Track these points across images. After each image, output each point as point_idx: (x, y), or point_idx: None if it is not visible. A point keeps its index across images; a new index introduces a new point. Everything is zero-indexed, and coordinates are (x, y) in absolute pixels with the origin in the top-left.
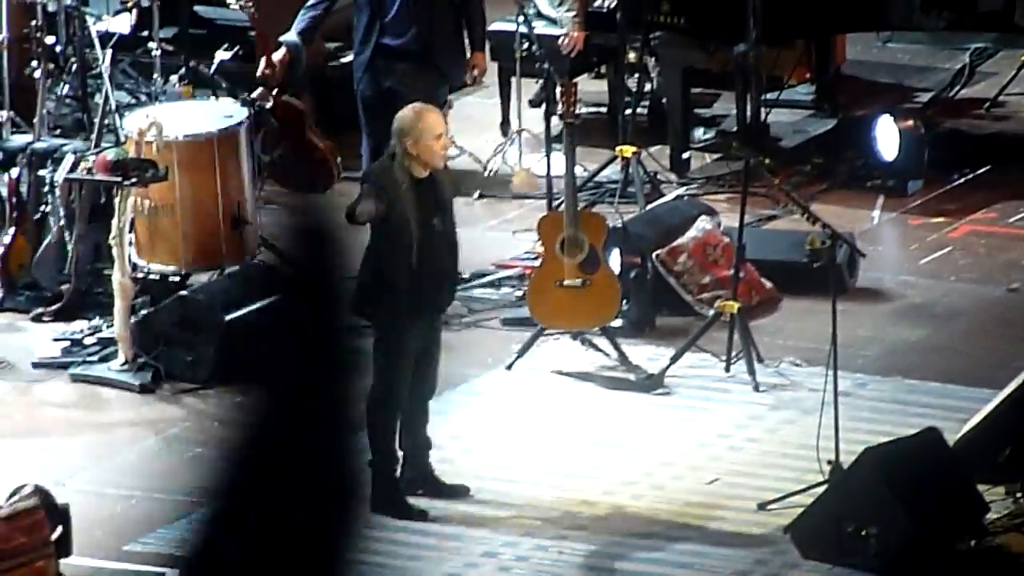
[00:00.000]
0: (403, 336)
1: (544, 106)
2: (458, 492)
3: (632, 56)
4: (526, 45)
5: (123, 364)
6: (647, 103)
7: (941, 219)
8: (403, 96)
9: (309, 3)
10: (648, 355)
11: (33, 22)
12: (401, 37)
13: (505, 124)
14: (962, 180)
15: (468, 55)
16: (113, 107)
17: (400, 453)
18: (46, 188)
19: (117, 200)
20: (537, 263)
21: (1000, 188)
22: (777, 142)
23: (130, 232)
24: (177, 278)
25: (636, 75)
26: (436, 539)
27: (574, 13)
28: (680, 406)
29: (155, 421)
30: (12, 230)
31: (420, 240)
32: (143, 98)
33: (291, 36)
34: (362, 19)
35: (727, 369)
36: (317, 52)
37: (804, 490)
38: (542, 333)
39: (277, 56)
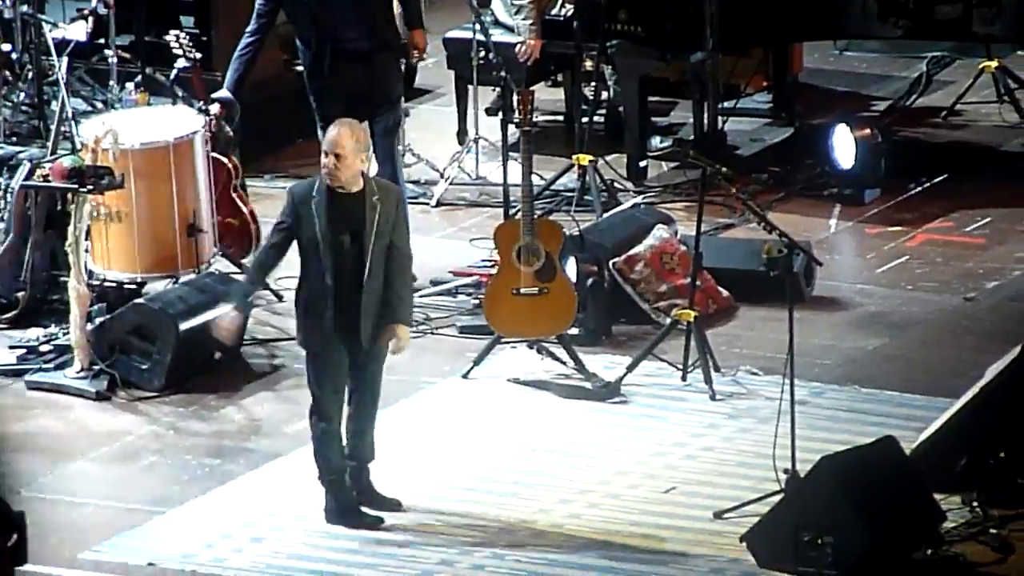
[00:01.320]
0: (326, 355)
1: (501, 114)
2: (390, 505)
3: (589, 64)
4: (483, 53)
5: (79, 371)
6: (604, 111)
7: (898, 228)
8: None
9: (237, 52)
10: (605, 363)
11: None
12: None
13: (462, 132)
14: (919, 189)
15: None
16: (69, 114)
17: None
18: (1, 195)
19: (73, 207)
20: (494, 271)
21: (957, 197)
22: (734, 150)
23: (86, 239)
24: (133, 286)
25: (593, 83)
26: (392, 548)
27: (531, 21)
28: (637, 415)
29: (111, 429)
30: None
31: (332, 258)
32: (99, 105)
33: (223, 92)
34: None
35: (684, 378)
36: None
37: (760, 499)
38: (499, 341)
39: (212, 111)
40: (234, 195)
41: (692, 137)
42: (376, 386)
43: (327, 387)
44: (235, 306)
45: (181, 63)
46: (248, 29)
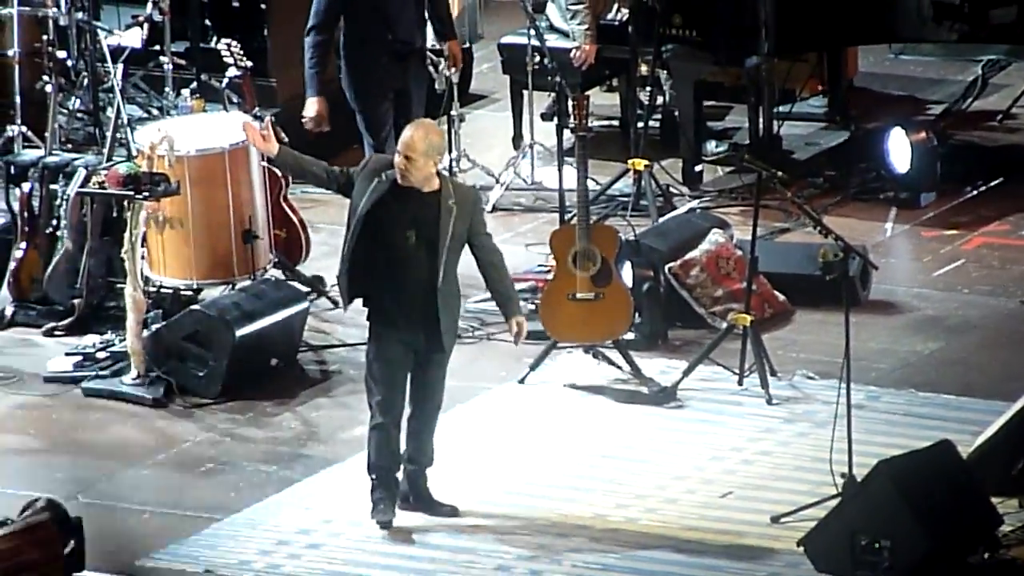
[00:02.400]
0: (385, 348)
1: (556, 119)
2: (446, 511)
3: (644, 69)
4: (538, 58)
5: (135, 378)
6: (659, 116)
7: (954, 231)
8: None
9: (309, 56)
10: (661, 368)
11: (44, 37)
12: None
13: (517, 137)
14: (975, 192)
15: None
16: (125, 121)
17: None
18: (58, 202)
19: (129, 214)
20: (550, 276)
21: (1013, 200)
22: (790, 155)
23: (142, 246)
24: (189, 292)
25: (648, 88)
26: (449, 553)
27: (586, 26)
28: (693, 419)
29: (168, 435)
30: (24, 244)
31: (389, 250)
32: (155, 112)
33: (316, 99)
34: (364, 25)
35: (740, 382)
36: None
37: (818, 503)
38: (555, 346)
39: (315, 109)
40: (284, 204)
41: (747, 141)
42: (439, 391)
43: (380, 383)
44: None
45: (232, 71)
46: (313, 30)
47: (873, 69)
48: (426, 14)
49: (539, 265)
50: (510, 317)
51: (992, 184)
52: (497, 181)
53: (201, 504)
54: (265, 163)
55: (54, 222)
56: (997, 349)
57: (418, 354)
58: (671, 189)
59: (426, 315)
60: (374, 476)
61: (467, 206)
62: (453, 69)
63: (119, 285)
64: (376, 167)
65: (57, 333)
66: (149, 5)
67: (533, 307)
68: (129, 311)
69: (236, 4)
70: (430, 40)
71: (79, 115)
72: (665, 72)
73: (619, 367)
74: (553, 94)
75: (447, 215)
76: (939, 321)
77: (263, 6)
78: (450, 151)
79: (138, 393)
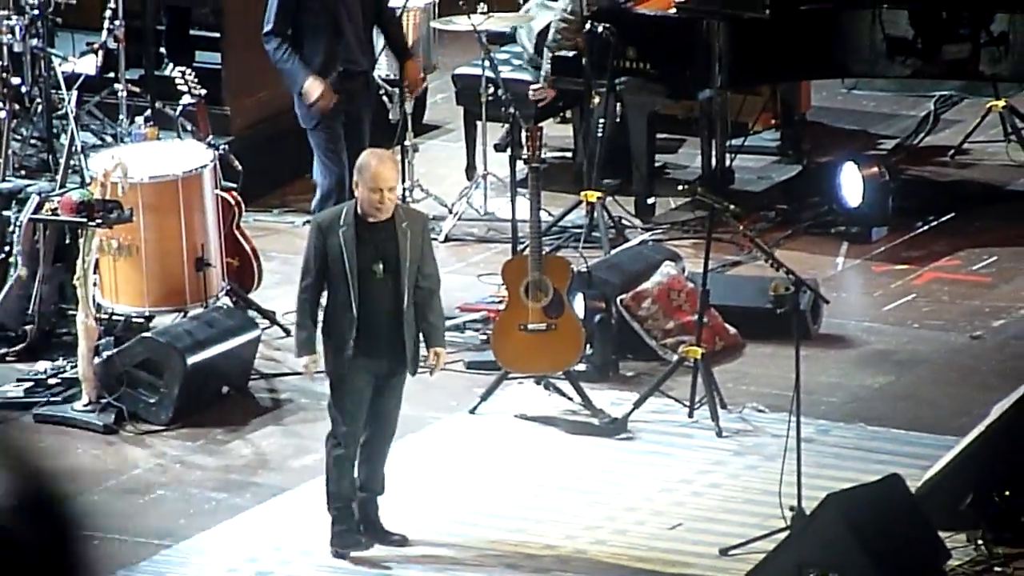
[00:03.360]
0: (350, 383)
1: (509, 150)
2: (396, 540)
3: (596, 100)
4: (492, 89)
5: (87, 405)
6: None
7: (905, 266)
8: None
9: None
10: (612, 400)
11: None
12: (357, 58)
13: (470, 168)
14: (926, 227)
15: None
16: (79, 148)
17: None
18: (11, 228)
19: (82, 241)
20: (502, 307)
21: (964, 235)
22: (742, 188)
23: (94, 273)
24: (141, 319)
25: (601, 120)
26: None
27: (550, 67)
28: (643, 451)
29: (117, 462)
30: None
31: (359, 286)
32: (108, 139)
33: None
34: (315, 44)
35: (690, 414)
36: None
37: (767, 535)
38: (506, 377)
39: (319, 85)
40: (237, 232)
41: (700, 175)
42: (394, 419)
43: (347, 414)
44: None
45: (186, 99)
46: (271, 34)
47: (826, 103)
48: (379, 40)
49: (491, 296)
50: (432, 347)
51: (943, 219)
52: (450, 211)
53: (151, 531)
54: (219, 191)
55: (7, 248)
56: (947, 384)
57: (378, 379)
58: (623, 221)
59: (392, 342)
60: (338, 507)
61: (418, 228)
62: (411, 92)
63: (71, 312)
64: (329, 223)
65: (8, 359)
66: (104, 32)
67: (485, 337)
68: (81, 338)
69: (191, 32)
70: (385, 70)
71: (33, 142)
72: (619, 104)
73: (570, 398)
74: (506, 125)
75: (404, 239)
76: (889, 355)
77: (218, 34)
78: (403, 181)
79: (89, 420)
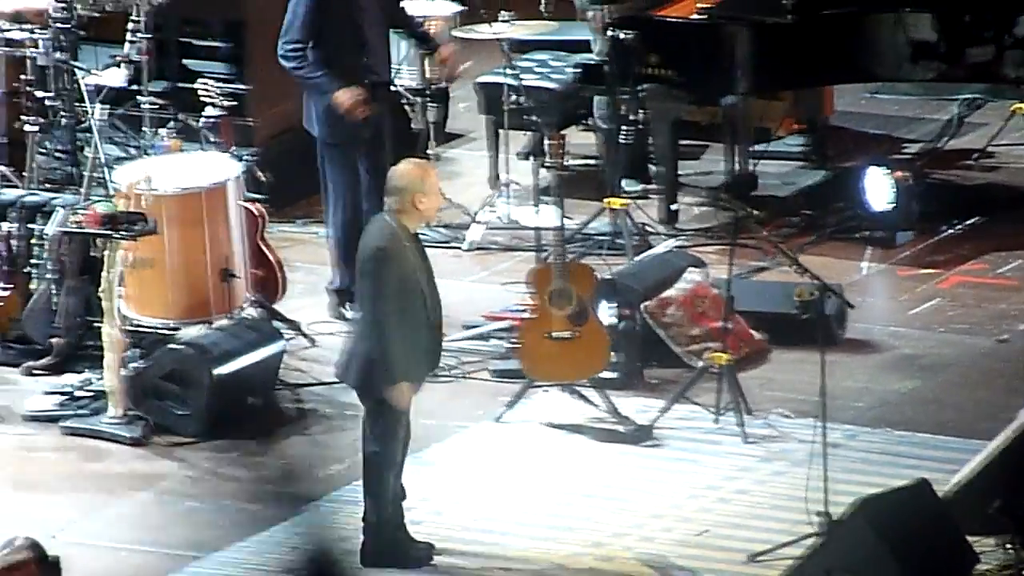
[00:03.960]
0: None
1: (533, 158)
2: (422, 549)
3: (623, 109)
4: (515, 97)
5: (114, 417)
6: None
7: (930, 270)
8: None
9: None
10: (638, 407)
11: (23, 76)
12: (379, 68)
13: (494, 176)
14: (951, 231)
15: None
16: (103, 160)
17: None
18: (36, 241)
19: (107, 253)
20: (527, 315)
21: (989, 239)
22: (766, 194)
23: (120, 285)
24: (167, 331)
25: (625, 128)
26: None
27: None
28: (670, 458)
29: (146, 474)
30: (1, 283)
31: (431, 295)
32: (133, 152)
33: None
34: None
35: (716, 421)
36: None
37: (794, 542)
38: (532, 385)
39: (350, 94)
40: (261, 243)
41: (724, 181)
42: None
43: (397, 434)
44: None
45: (211, 111)
46: (296, 43)
47: (850, 108)
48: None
49: (516, 304)
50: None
51: (969, 223)
52: (474, 220)
53: (179, 543)
54: (243, 202)
55: (33, 261)
56: (973, 388)
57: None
58: (647, 228)
59: (434, 350)
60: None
61: None
62: (451, 73)
63: (97, 324)
64: (391, 242)
65: (36, 372)
66: (128, 45)
67: (510, 346)
68: (107, 350)
69: (215, 44)
70: (407, 79)
71: (58, 155)
72: (642, 112)
73: (596, 406)
74: (530, 133)
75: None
76: (915, 360)
77: (242, 46)
78: None
79: (117, 432)
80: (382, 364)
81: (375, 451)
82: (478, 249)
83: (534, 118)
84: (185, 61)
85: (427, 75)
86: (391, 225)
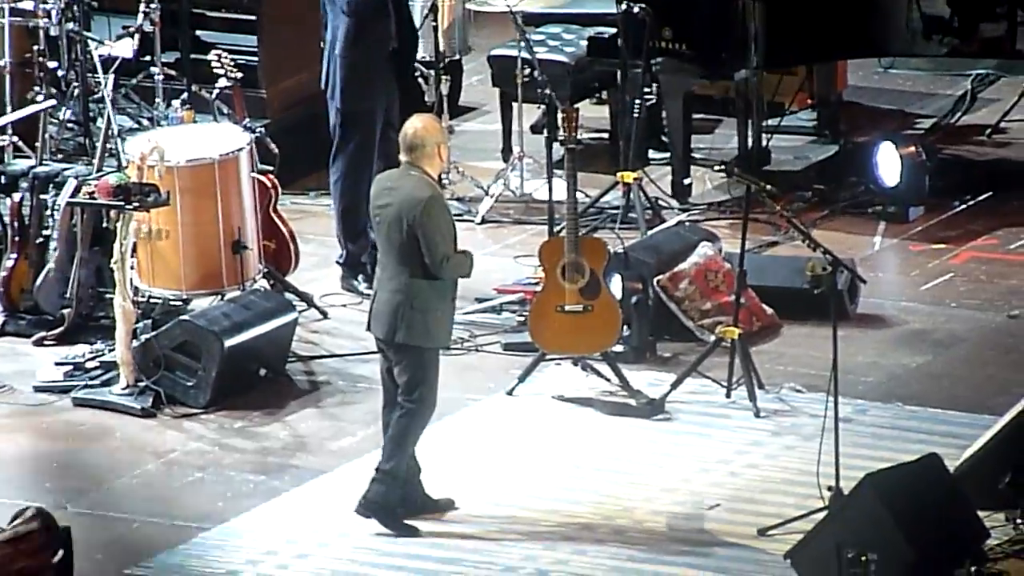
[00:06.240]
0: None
1: (545, 131)
2: (444, 506)
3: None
4: (527, 71)
5: (125, 388)
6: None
7: (942, 246)
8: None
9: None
10: (649, 380)
11: (35, 47)
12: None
13: (506, 150)
14: (963, 207)
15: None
16: (115, 131)
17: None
18: (48, 212)
19: (119, 224)
20: (538, 288)
21: (1001, 215)
22: (778, 168)
23: (132, 256)
24: (178, 302)
25: (637, 101)
26: (435, 563)
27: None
28: (681, 432)
29: (156, 445)
30: (14, 254)
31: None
32: (145, 123)
33: None
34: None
35: (728, 395)
36: None
37: (805, 516)
38: (543, 358)
39: None
40: (273, 215)
41: (736, 155)
42: None
43: (435, 389)
44: None
45: (223, 82)
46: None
47: (862, 83)
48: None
49: (527, 277)
50: None
51: (980, 198)
52: (486, 193)
53: (189, 514)
54: (255, 174)
55: (44, 232)
56: (984, 363)
57: None
58: (660, 202)
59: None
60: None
61: None
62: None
63: (109, 295)
64: (433, 189)
65: (47, 343)
66: (140, 16)
67: (522, 319)
68: (119, 321)
69: (227, 15)
70: (420, 51)
71: (70, 125)
72: (655, 85)
73: (607, 379)
74: (543, 106)
75: None
76: (926, 335)
77: (254, 17)
78: None
79: (127, 403)
80: (451, 311)
81: (415, 405)
82: (490, 222)
83: (547, 91)
84: (197, 32)
85: (440, 48)
86: (424, 177)
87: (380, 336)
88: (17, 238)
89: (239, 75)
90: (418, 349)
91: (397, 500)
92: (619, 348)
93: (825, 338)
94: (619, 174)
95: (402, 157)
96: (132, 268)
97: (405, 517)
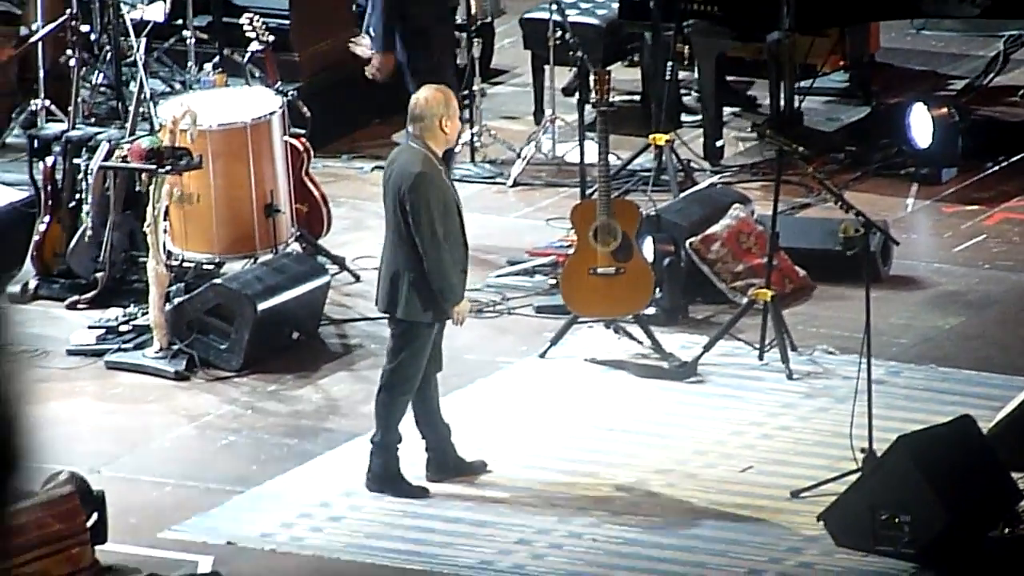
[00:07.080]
0: (440, 327)
1: (577, 94)
2: (477, 468)
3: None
4: (559, 33)
5: (158, 351)
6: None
7: (975, 207)
8: None
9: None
10: (681, 343)
11: (68, 10)
12: None
13: (538, 112)
14: (996, 168)
15: None
16: (148, 95)
17: (423, 441)
18: (81, 176)
19: (151, 188)
20: (571, 251)
21: None
22: (811, 130)
23: (164, 220)
24: (211, 266)
25: (670, 63)
26: (469, 526)
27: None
28: (713, 394)
29: (189, 408)
30: (47, 218)
31: (461, 221)
32: (177, 86)
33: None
34: None
35: (760, 357)
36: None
37: (838, 478)
38: (575, 321)
39: (388, 66)
40: (306, 179)
41: (769, 117)
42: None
43: (422, 363)
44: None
45: (255, 46)
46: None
47: (894, 44)
48: None
49: (560, 240)
50: None
51: (1013, 159)
52: (518, 156)
53: (223, 477)
54: (287, 137)
55: (77, 196)
56: (1017, 324)
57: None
58: (692, 164)
59: (466, 269)
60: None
61: None
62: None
63: (142, 259)
64: (428, 166)
65: (80, 306)
66: None
67: (554, 282)
68: (152, 285)
69: None
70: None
71: (102, 89)
72: (687, 47)
73: (639, 342)
74: (574, 69)
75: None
76: (959, 296)
77: None
78: (472, 126)
79: (160, 366)
80: (445, 284)
81: (393, 371)
82: (522, 185)
83: (579, 54)
84: None
85: (472, 10)
86: (421, 151)
87: (381, 309)
88: (50, 202)
89: (271, 38)
90: (408, 323)
91: (397, 466)
92: (651, 311)
93: (858, 300)
94: (651, 136)
95: (407, 127)
96: (165, 232)
97: (431, 480)
